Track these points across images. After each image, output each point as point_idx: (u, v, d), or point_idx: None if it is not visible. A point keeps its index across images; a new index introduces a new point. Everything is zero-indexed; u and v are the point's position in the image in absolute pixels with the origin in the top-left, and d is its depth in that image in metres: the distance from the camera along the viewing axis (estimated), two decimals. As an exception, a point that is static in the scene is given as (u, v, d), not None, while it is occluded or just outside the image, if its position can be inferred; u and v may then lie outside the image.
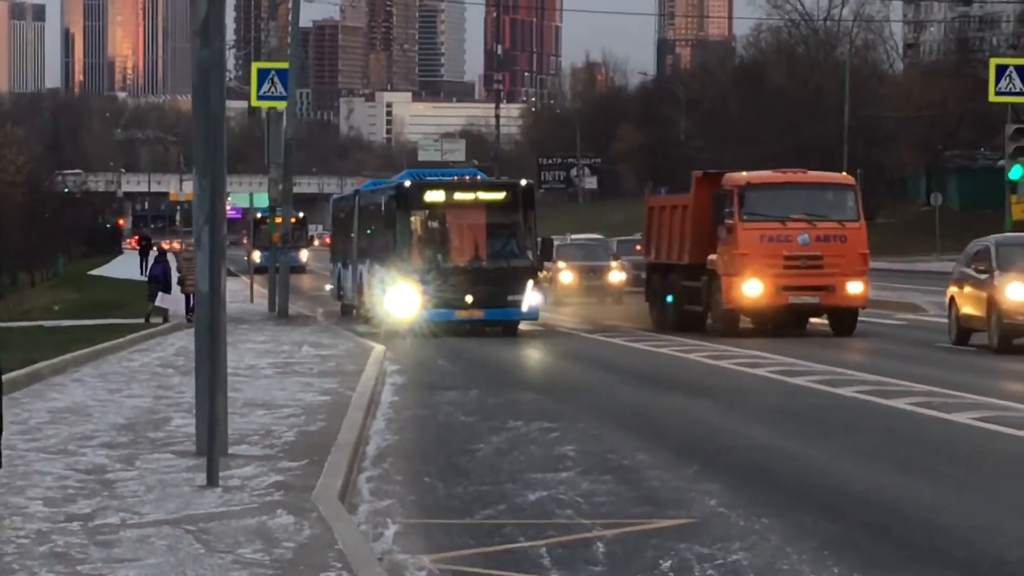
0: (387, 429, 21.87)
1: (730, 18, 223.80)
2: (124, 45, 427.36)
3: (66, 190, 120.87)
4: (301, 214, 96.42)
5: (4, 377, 24.65)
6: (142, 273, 78.94)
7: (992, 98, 54.57)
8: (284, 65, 45.77)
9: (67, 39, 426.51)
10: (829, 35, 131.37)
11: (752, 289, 37.75)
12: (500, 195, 39.24)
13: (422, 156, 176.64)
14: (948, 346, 37.78)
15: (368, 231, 42.55)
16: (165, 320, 45.61)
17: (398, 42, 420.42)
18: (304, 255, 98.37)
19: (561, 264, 47.78)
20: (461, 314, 37.43)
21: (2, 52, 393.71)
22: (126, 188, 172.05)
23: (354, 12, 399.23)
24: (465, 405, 25.12)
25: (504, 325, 39.33)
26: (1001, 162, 63.85)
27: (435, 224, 38.79)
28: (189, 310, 43.16)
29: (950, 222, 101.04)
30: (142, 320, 43.92)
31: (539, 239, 39.01)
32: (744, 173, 40.69)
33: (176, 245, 79.12)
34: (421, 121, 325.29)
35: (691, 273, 40.47)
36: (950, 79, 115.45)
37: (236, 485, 15.38)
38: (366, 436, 20.39)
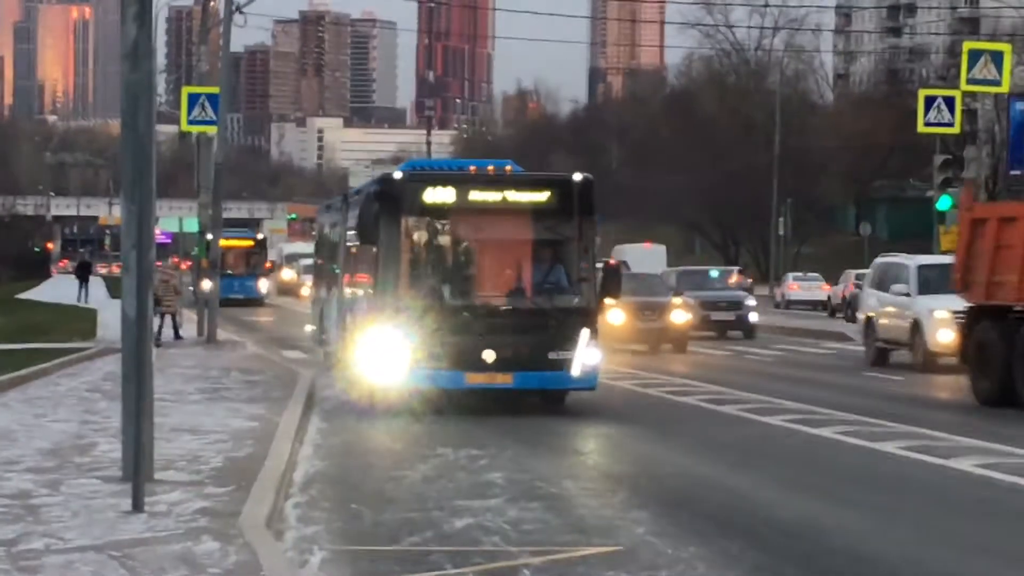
0: (315, 455, 21.84)
1: (662, 47, 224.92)
2: (54, 68, 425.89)
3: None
4: (261, 235, 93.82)
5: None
6: (80, 300, 78.12)
7: (921, 129, 54.75)
8: (214, 90, 45.55)
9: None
10: (760, 65, 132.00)
11: None
12: (542, 196, 26.71)
13: (352, 182, 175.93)
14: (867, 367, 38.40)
15: (353, 250, 31.02)
16: (159, 342, 45.22)
17: (330, 68, 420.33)
18: (263, 284, 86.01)
19: (608, 300, 32.14)
20: (475, 379, 24.88)
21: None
22: (55, 212, 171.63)
23: (286, 38, 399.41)
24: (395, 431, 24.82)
25: (543, 395, 26.87)
26: (930, 192, 64.16)
27: (439, 239, 26.66)
28: (159, 333, 43.04)
29: (879, 252, 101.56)
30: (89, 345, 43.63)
31: (600, 265, 27.00)
32: None
33: (116, 269, 78.08)
34: (352, 147, 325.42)
35: None
36: (880, 109, 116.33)
37: (162, 511, 15.32)
38: (293, 462, 20.33)
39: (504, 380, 25.42)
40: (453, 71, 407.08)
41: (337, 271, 34.50)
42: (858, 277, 68.67)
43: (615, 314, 40.60)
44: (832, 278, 78.74)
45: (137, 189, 16.52)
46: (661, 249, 64.93)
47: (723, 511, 17.32)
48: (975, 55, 52.15)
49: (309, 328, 41.82)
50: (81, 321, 57.28)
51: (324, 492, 18.34)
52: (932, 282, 36.44)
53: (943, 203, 62.38)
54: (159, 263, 53.01)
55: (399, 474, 20.11)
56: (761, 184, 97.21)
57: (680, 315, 44.18)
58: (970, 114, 64.76)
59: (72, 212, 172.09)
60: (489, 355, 25.04)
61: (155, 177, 16.93)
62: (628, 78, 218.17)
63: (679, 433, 25.31)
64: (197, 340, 46.95)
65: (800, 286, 78.62)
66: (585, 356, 25.51)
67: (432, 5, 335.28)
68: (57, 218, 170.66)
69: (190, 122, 44.65)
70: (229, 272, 74.41)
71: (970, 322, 28.87)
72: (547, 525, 16.05)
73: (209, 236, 50.09)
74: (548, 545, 14.74)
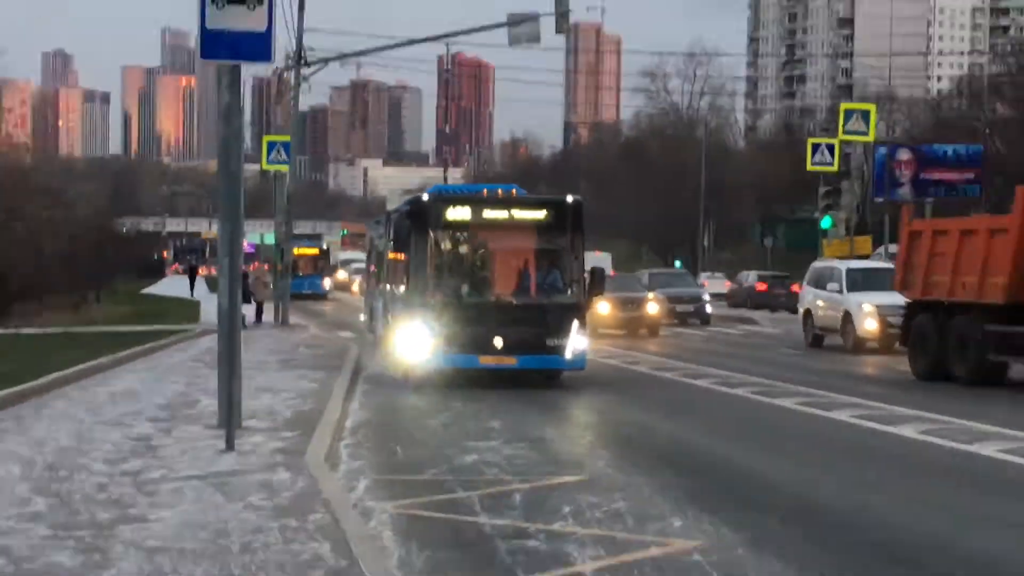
0: (360, 409, 21.79)
1: (618, 106, 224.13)
2: (168, 123, 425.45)
3: (123, 230, 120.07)
4: (326, 246, 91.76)
5: (78, 367, 24.60)
6: (191, 293, 77.49)
7: (809, 167, 54.64)
8: (286, 138, 45.46)
9: (126, 118, 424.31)
10: (691, 120, 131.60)
11: None
12: (541, 214, 26.35)
13: (389, 206, 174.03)
14: (805, 348, 37.73)
15: (391, 256, 30.27)
16: (246, 324, 44.83)
17: (372, 122, 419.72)
18: (327, 282, 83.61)
19: (594, 297, 30.85)
20: (487, 360, 24.57)
21: (77, 127, 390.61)
22: (169, 229, 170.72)
23: (339, 99, 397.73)
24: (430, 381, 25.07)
25: (541, 374, 25.87)
26: (816, 214, 64.17)
27: (459, 248, 26.31)
28: (247, 318, 43.06)
29: (778, 258, 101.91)
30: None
31: (588, 270, 26.11)
32: None
33: (213, 271, 77.45)
34: (389, 181, 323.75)
35: (1013, 316, 24.39)
36: (779, 153, 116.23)
37: (247, 450, 15.32)
38: (344, 415, 20.29)
39: (510, 361, 24.65)
40: (463, 125, 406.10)
41: (380, 273, 33.78)
42: (760, 276, 68.73)
43: (603, 306, 40.03)
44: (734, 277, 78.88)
45: (229, 212, 16.55)
46: (607, 256, 64.16)
47: (666, 453, 17.30)
48: (849, 113, 52.29)
49: (362, 317, 40.75)
50: (188, 309, 57.16)
51: (367, 436, 18.31)
52: (858, 282, 36.52)
53: (825, 222, 62.69)
54: (255, 265, 52.90)
55: (423, 424, 20.05)
56: (691, 207, 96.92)
57: (653, 307, 43.52)
58: (845, 157, 64.82)
59: (181, 229, 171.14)
60: (498, 341, 24.31)
61: (243, 203, 16.92)
62: (592, 130, 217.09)
63: (643, 397, 24.90)
64: (274, 324, 46.77)
65: (708, 282, 78.14)
66: (575, 343, 24.65)
67: (448, 77, 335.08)
68: (170, 234, 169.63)
69: (269, 162, 44.65)
70: (300, 274, 73.13)
71: (910, 314, 28.35)
72: (533, 461, 16.02)
73: (282, 247, 50.21)
74: (533, 475, 14.72)
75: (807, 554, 10.93)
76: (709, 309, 51.96)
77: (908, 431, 18.80)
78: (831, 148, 53.11)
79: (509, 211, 26.15)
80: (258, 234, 67.75)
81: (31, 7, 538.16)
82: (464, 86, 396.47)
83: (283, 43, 46.93)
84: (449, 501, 13.21)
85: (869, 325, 34.87)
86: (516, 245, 25.91)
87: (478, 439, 17.89)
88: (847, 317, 35.73)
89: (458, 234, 25.95)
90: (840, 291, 36.52)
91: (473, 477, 14.72)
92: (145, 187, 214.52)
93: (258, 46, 15.08)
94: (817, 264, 42.56)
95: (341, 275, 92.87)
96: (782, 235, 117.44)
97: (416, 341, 24.50)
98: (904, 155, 62.18)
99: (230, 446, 15.34)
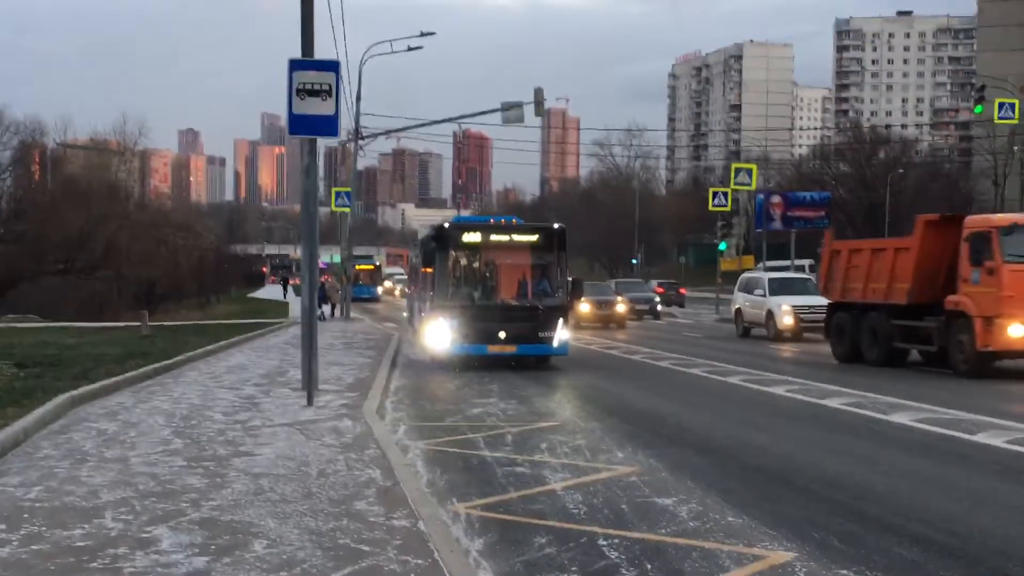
0: (400, 377, 21.77)
1: (577, 166, 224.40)
2: (266, 179, 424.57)
3: (235, 252, 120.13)
4: (378, 263, 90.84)
5: (204, 348, 24.65)
6: (284, 297, 76.92)
7: (710, 208, 54.41)
8: (348, 189, 45.24)
9: (236, 175, 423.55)
10: (628, 175, 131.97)
11: (1018, 331, 21.03)
12: (534, 237, 25.51)
13: (420, 236, 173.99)
14: (736, 338, 35.90)
15: (422, 270, 28.73)
16: (323, 318, 44.56)
17: (407, 177, 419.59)
18: (379, 289, 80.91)
19: (576, 300, 30.02)
20: (494, 348, 24.02)
21: (203, 182, 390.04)
22: (267, 252, 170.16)
23: (385, 162, 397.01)
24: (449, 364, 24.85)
25: (535, 359, 25.00)
26: (716, 240, 64.14)
27: (472, 263, 25.39)
28: (323, 313, 43.43)
29: (690, 272, 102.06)
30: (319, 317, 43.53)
31: (570, 280, 25.34)
32: (1002, 215, 25.16)
33: (297, 281, 77.93)
34: (419, 218, 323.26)
35: (911, 313, 23.78)
36: (690, 198, 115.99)
37: (322, 405, 15.30)
38: (389, 381, 20.26)
39: (510, 349, 23.88)
40: (471, 179, 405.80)
41: (415, 282, 32.60)
42: (659, 283, 67.85)
43: (583, 306, 39.72)
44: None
45: (309, 239, 16.54)
46: None
47: (616, 407, 17.24)
48: (738, 170, 52.27)
49: (404, 315, 40.18)
50: (281, 308, 57.21)
51: (405, 396, 18.26)
52: (778, 288, 35.63)
53: (722, 246, 62.51)
54: (327, 277, 52.88)
55: (444, 388, 19.90)
56: (629, 236, 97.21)
57: (621, 307, 42.38)
58: (735, 201, 65.12)
59: (275, 252, 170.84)
60: (502, 335, 23.62)
61: (317, 233, 16.93)
62: (560, 182, 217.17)
63: (610, 369, 24.63)
64: (340, 318, 46.73)
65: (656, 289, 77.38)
66: (560, 335, 23.82)
67: (460, 146, 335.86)
68: (268, 255, 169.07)
69: (336, 206, 44.38)
70: (361, 283, 73.43)
71: (831, 312, 27.20)
72: (521, 412, 15.99)
73: (345, 265, 50.31)
74: (521, 422, 14.70)
75: (711, 475, 10.93)
76: (660, 308, 51.53)
77: (834, 402, 17.09)
78: (726, 194, 52.99)
79: (510, 235, 25.24)
80: (329, 255, 67.36)
81: (169, 92, 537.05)
82: (471, 152, 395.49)
83: (346, 123, 46.85)
84: (462, 440, 13.17)
85: (787, 320, 34.14)
86: (515, 261, 24.97)
87: (482, 398, 17.88)
88: (770, 314, 34.84)
89: (471, 253, 25.06)
90: (764, 295, 35.45)
91: (478, 423, 14.67)
92: (249, 223, 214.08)
93: (329, 126, 15.09)
94: (746, 274, 41.07)
95: (387, 284, 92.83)
96: (692, 255, 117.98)
97: (440, 333, 23.90)
98: (776, 199, 62.48)
99: (310, 403, 15.33)
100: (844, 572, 7.64)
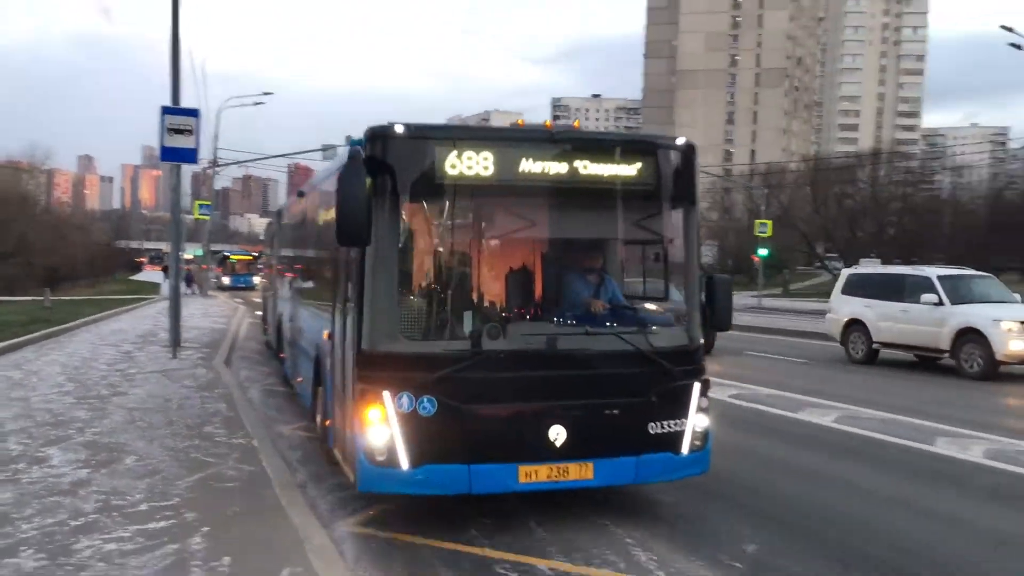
0: (243, 339, 20.95)
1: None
2: (146, 193, 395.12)
3: (120, 247, 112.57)
4: (256, 253, 77.77)
5: (95, 316, 22.96)
6: (164, 279, 70.12)
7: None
8: (209, 202, 43.13)
9: (122, 190, 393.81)
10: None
11: None
12: (630, 167, 4.75)
13: (262, 238, 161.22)
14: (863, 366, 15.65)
15: (309, 250, 8.35)
16: (194, 293, 41.66)
17: (254, 196, 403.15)
18: (255, 279, 54.72)
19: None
20: (533, 474, 4.69)
21: (95, 196, 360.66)
22: (145, 246, 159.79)
23: (236, 184, 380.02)
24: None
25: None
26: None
27: (465, 241, 4.82)
28: (193, 291, 40.94)
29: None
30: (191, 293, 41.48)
31: (705, 278, 5.06)
32: None
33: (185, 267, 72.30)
34: (262, 224, 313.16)
35: None
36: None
37: (184, 358, 14.52)
38: (236, 341, 19.47)
39: (581, 474, 5.36)
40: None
41: (288, 274, 12.68)
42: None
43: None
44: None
45: (175, 239, 15.70)
46: None
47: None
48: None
49: (261, 300, 37.58)
50: (154, 287, 54.12)
51: (247, 353, 17.62)
52: (959, 292, 15.35)
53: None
54: (189, 268, 49.95)
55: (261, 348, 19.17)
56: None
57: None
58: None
59: (152, 247, 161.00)
60: (558, 433, 5.25)
61: (183, 235, 16.11)
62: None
63: None
64: (200, 295, 44.57)
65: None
66: (696, 421, 5.55)
67: (292, 174, 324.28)
68: (147, 249, 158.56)
69: (199, 214, 42.21)
70: (237, 272, 57.81)
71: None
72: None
73: (206, 257, 48.01)
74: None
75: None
76: None
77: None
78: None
79: (568, 160, 5.38)
80: (193, 251, 63.61)
81: (69, 127, 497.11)
82: (300, 179, 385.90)
83: (206, 153, 44.77)
84: (284, 380, 12.81)
85: (1017, 344, 14.12)
86: (580, 231, 5.80)
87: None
88: (966, 335, 14.64)
89: (463, 211, 5.69)
90: (940, 301, 15.12)
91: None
92: (132, 226, 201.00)
93: (191, 156, 14.39)
94: (858, 270, 18.03)
95: (259, 278, 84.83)
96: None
97: (373, 432, 5.41)
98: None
99: (175, 356, 14.52)
100: None
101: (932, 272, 15.75)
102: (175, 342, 14.93)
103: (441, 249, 5.31)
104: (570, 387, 5.25)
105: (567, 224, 5.55)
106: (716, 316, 5.78)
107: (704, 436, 5.68)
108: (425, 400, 5.07)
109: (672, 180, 5.57)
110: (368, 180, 4.95)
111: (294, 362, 10.12)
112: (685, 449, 5.57)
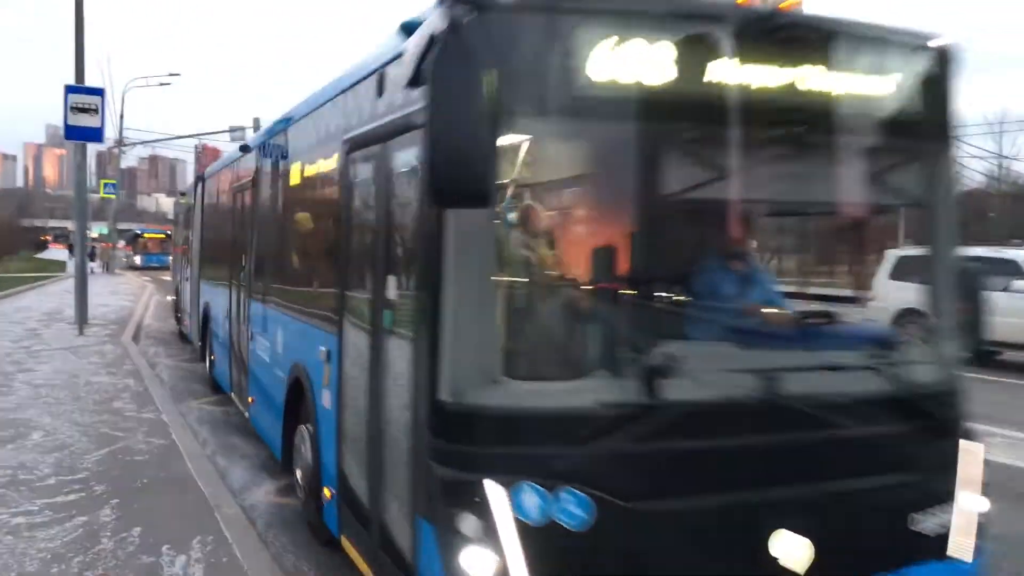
0: (151, 319, 20.07)
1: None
2: (50, 171, 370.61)
3: (24, 226, 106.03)
4: (168, 231, 72.93)
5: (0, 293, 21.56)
6: (69, 258, 66.63)
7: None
8: (114, 181, 40.92)
9: (25, 169, 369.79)
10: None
11: None
12: (887, 81, 1.93)
13: (169, 217, 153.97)
14: None
15: (293, 222, 4.14)
16: (93, 272, 39.04)
17: (161, 176, 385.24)
18: (169, 258, 43.74)
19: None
20: None
21: (0, 176, 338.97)
22: (50, 225, 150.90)
23: (143, 164, 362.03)
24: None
25: None
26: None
27: (621, 197, 2.17)
28: (93, 268, 38.69)
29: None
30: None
31: (969, 271, 2.05)
32: None
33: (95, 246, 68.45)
34: (168, 205, 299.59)
35: None
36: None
37: (91, 335, 13.82)
38: (143, 320, 18.65)
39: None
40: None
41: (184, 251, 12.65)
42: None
43: None
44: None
45: (80, 216, 14.89)
46: None
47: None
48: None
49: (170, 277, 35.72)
50: (60, 265, 51.23)
51: (154, 330, 16.92)
52: None
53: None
54: (95, 245, 47.26)
55: (168, 325, 18.04)
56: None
57: None
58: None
59: (57, 225, 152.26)
60: (787, 551, 2.54)
61: (88, 213, 15.28)
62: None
63: None
64: (106, 272, 42.51)
65: None
66: (972, 506, 2.49)
67: (198, 154, 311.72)
68: (51, 227, 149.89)
69: (105, 193, 40.04)
70: (150, 251, 49.79)
71: None
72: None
73: (112, 235, 45.70)
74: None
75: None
76: None
77: None
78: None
79: (781, 56, 2.66)
80: (99, 229, 59.70)
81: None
82: (207, 160, 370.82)
83: (112, 132, 42.67)
84: (192, 356, 12.34)
85: None
86: (818, 173, 2.82)
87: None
88: None
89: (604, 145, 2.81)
90: None
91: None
92: (36, 204, 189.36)
93: (96, 135, 13.65)
94: (907, 252, 9.72)
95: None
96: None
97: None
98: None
99: (81, 333, 13.80)
100: None
101: (1021, 256, 11.17)
102: (82, 319, 14.20)
103: (587, 220, 2.92)
104: (814, 463, 2.72)
105: (806, 179, 2.90)
106: (971, 331, 3.07)
107: (981, 528, 3.06)
108: (570, 498, 2.53)
109: (934, 106, 2.92)
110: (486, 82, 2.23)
111: (239, 376, 6.85)
112: (953, 550, 2.98)
